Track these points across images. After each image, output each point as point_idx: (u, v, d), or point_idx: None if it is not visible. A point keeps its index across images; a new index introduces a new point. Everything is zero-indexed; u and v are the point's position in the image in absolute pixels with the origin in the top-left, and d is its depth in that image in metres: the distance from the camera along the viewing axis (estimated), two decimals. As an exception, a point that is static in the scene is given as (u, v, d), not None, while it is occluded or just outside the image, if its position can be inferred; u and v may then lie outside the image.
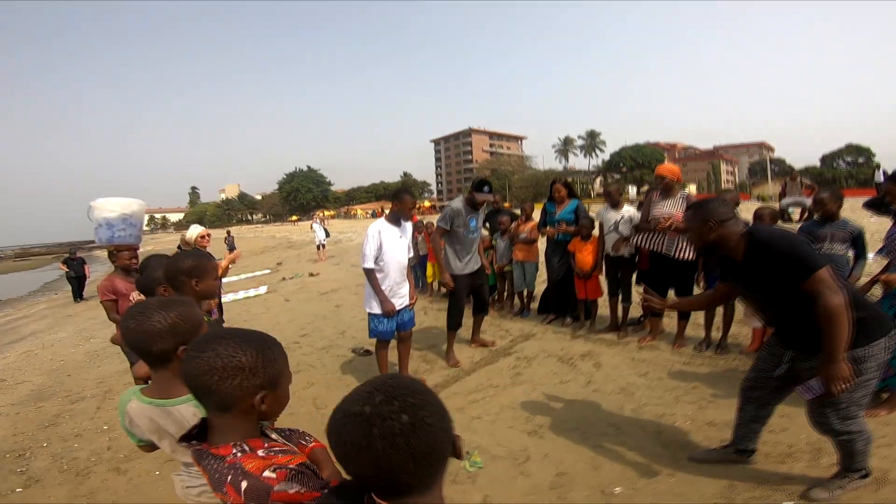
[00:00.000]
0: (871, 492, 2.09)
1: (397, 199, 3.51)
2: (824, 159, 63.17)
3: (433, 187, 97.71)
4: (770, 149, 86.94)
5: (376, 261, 3.39)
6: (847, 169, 59.38)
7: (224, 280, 12.10)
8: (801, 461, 2.39)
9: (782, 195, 11.29)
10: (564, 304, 5.13)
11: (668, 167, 4.11)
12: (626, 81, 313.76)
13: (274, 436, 1.07)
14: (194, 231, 4.15)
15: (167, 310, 1.20)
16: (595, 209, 5.17)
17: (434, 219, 6.33)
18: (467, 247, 4.09)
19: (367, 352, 4.72)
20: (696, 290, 4.10)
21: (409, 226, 3.62)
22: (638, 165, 56.88)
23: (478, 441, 2.84)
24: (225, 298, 8.89)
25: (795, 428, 2.71)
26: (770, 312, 2.09)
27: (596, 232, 4.70)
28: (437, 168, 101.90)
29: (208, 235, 4.18)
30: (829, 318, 1.74)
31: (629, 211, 4.42)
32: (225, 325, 4.51)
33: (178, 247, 4.70)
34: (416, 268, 7.14)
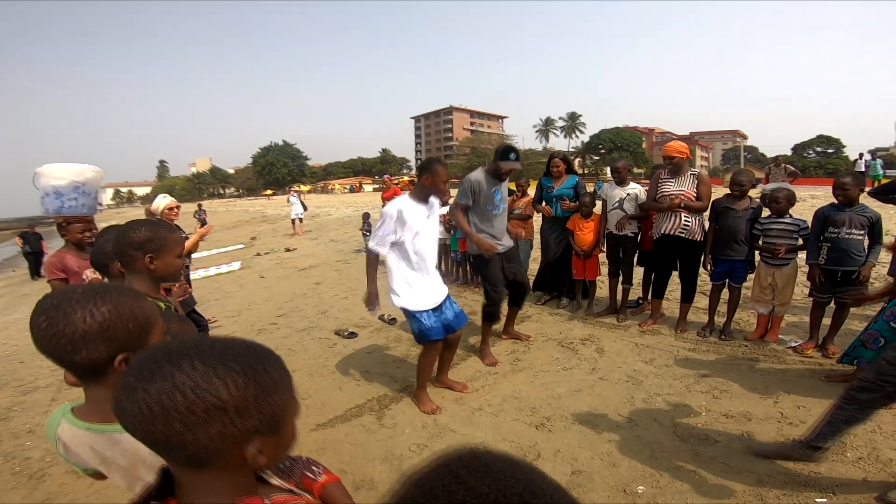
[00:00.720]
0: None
1: (428, 170, 2.76)
2: (796, 148, 64.85)
3: (412, 164, 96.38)
4: (744, 136, 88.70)
5: (398, 246, 2.74)
6: (817, 159, 61.16)
7: (194, 255, 11.51)
8: (826, 456, 2.25)
9: (766, 181, 11.34)
10: (560, 284, 4.93)
11: (675, 146, 3.85)
12: (608, 66, 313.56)
13: (275, 481, 0.75)
14: (161, 202, 3.68)
15: (96, 303, 0.84)
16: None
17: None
18: (494, 223, 3.52)
19: (351, 334, 4.42)
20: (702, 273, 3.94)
21: (436, 203, 2.94)
22: (616, 147, 57.19)
23: (482, 436, 2.61)
24: (195, 275, 8.41)
25: (814, 420, 2.58)
26: None
27: (598, 209, 4.47)
28: (416, 145, 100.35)
29: (177, 207, 3.73)
30: None
31: (635, 189, 4.19)
32: (196, 306, 4.11)
33: None
34: None
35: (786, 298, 3.51)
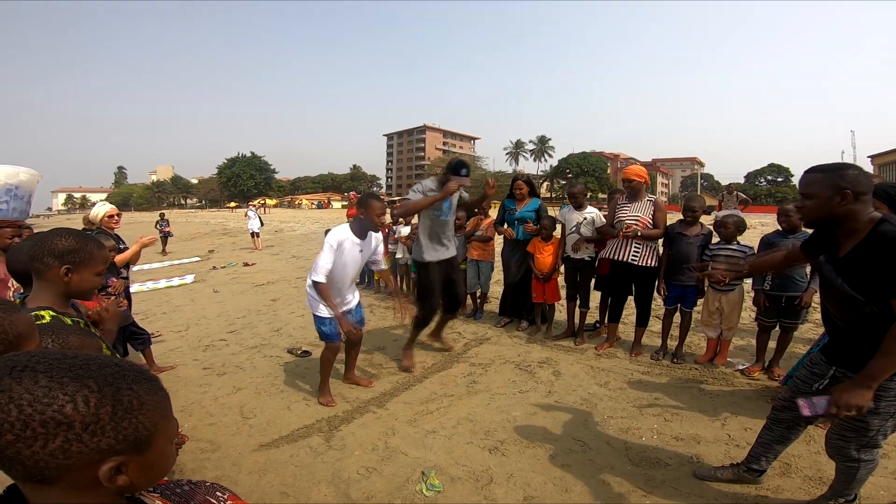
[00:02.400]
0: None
1: (363, 205, 3.04)
2: (749, 176, 68.85)
3: (382, 182, 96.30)
4: (701, 164, 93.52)
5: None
6: (767, 187, 65.11)
7: (145, 267, 10.91)
8: (772, 478, 2.29)
9: (719, 208, 11.84)
10: (520, 307, 4.92)
11: (634, 170, 3.96)
12: (580, 91, 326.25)
13: None
14: (101, 209, 3.44)
15: None
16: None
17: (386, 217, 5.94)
18: (441, 230, 3.69)
19: (305, 352, 4.26)
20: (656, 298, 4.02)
21: (375, 238, 3.23)
22: (583, 172, 59.03)
23: (434, 459, 2.52)
24: (143, 287, 7.99)
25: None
26: (852, 318, 1.73)
27: (557, 233, 4.52)
28: (388, 163, 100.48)
29: (118, 215, 3.50)
30: None
31: (593, 213, 4.27)
32: (141, 319, 3.86)
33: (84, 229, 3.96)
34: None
35: (732, 323, 3.62)
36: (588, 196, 4.78)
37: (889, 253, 1.53)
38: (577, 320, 4.44)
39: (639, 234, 3.67)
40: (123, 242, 3.50)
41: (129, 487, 0.59)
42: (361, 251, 3.10)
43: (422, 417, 3.00)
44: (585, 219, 4.24)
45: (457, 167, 3.52)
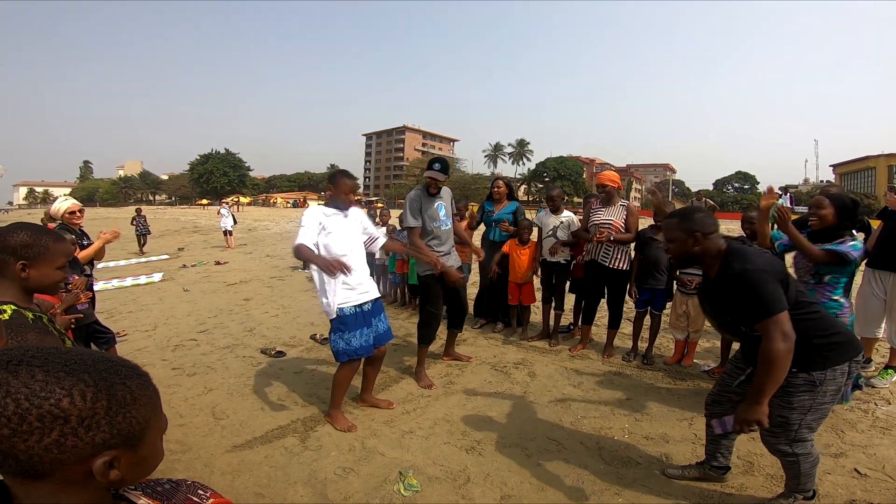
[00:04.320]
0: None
1: (332, 181, 2.87)
2: (717, 183, 71.22)
3: (360, 181, 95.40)
4: (673, 170, 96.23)
5: (326, 247, 2.74)
6: (734, 194, 67.53)
7: (111, 264, 10.52)
8: (736, 476, 2.38)
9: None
10: (496, 308, 4.97)
11: (608, 175, 4.06)
12: (558, 97, 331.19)
13: (142, 502, 0.69)
14: (62, 204, 3.28)
15: None
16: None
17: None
18: (440, 239, 3.47)
19: (279, 353, 4.19)
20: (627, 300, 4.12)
21: (355, 212, 2.98)
22: (560, 176, 60.00)
23: (411, 460, 2.52)
24: (108, 285, 7.71)
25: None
26: (728, 334, 2.04)
27: (534, 236, 4.58)
28: (366, 163, 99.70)
29: (80, 211, 3.35)
30: (770, 362, 1.69)
31: (569, 216, 4.35)
32: (105, 318, 3.73)
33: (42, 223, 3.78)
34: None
35: (698, 325, 3.74)
36: (565, 200, 4.85)
37: (736, 281, 1.78)
38: (551, 322, 4.51)
39: (611, 237, 3.76)
40: (88, 238, 3.37)
41: (119, 482, 0.59)
42: (347, 217, 2.88)
43: (399, 418, 3.00)
44: (562, 222, 4.31)
45: (430, 162, 3.44)
